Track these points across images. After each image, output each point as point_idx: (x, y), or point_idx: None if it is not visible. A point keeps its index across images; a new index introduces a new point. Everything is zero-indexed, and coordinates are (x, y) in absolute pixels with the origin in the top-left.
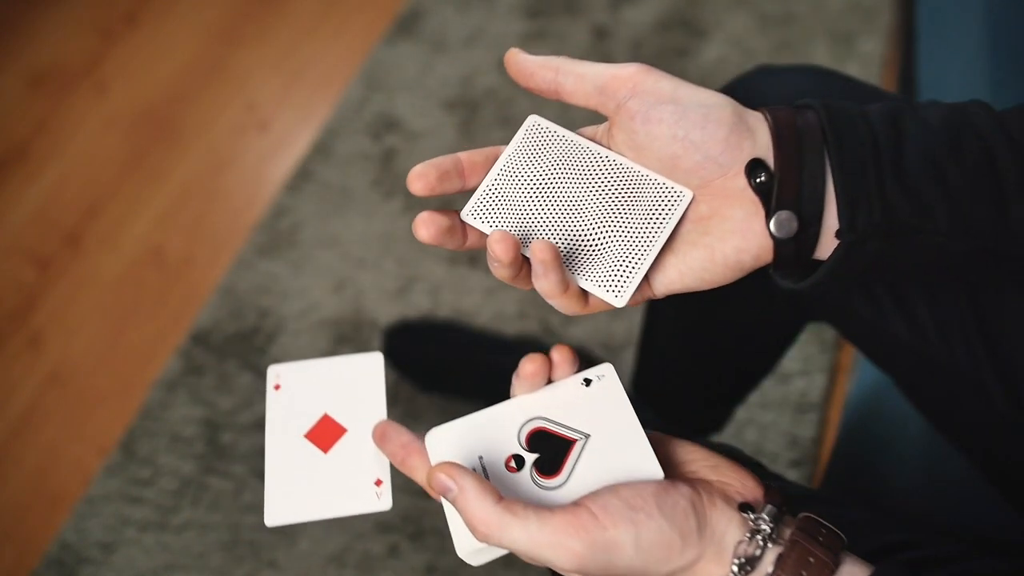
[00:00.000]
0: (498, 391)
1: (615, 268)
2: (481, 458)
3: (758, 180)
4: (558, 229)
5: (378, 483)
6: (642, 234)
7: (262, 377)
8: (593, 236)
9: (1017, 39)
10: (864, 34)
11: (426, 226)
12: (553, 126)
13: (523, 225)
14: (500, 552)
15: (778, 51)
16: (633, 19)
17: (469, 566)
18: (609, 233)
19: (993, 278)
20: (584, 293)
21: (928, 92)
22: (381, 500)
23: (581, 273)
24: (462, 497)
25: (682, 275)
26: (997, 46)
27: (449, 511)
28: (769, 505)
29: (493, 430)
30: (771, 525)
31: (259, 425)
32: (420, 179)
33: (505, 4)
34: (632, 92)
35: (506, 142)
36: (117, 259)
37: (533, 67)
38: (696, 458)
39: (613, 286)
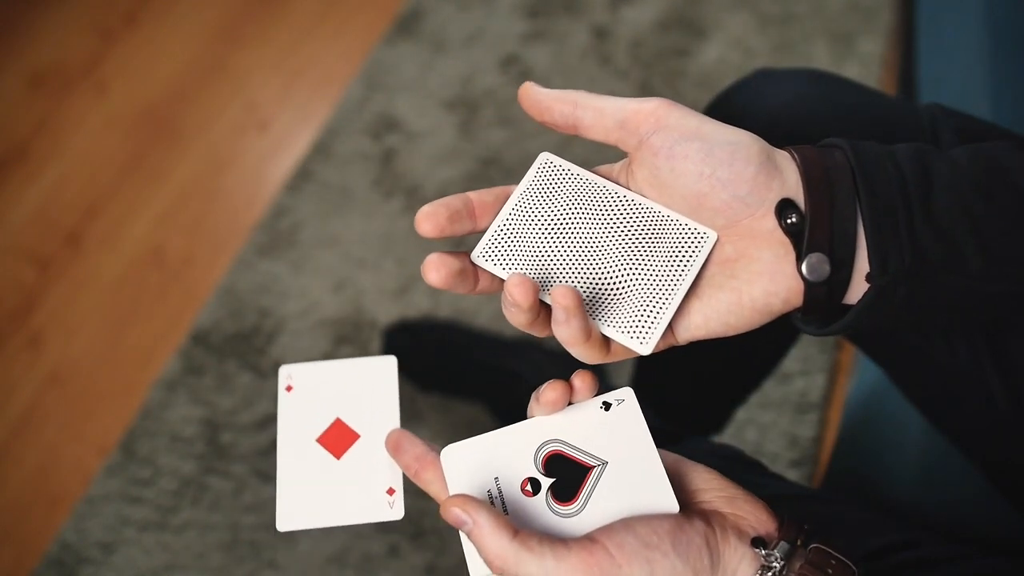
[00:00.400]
0: (498, 391)
1: (639, 314)
2: (497, 479)
3: (789, 221)
4: (576, 272)
5: (390, 492)
6: (666, 277)
7: (262, 377)
8: (614, 280)
9: (1017, 39)
10: (864, 34)
11: (436, 269)
12: (566, 164)
13: (538, 268)
14: None
15: (778, 51)
16: (633, 19)
17: (468, 568)
18: (631, 277)
19: None
20: (606, 340)
21: (928, 92)
22: (394, 509)
23: (603, 319)
24: (477, 531)
25: (707, 320)
26: (997, 46)
27: (464, 537)
28: (783, 542)
29: (510, 450)
30: (781, 562)
31: (259, 425)
32: (429, 219)
33: (505, 4)
34: (656, 127)
35: (506, 142)
36: (117, 259)
37: (549, 100)
38: (712, 487)
39: (638, 333)
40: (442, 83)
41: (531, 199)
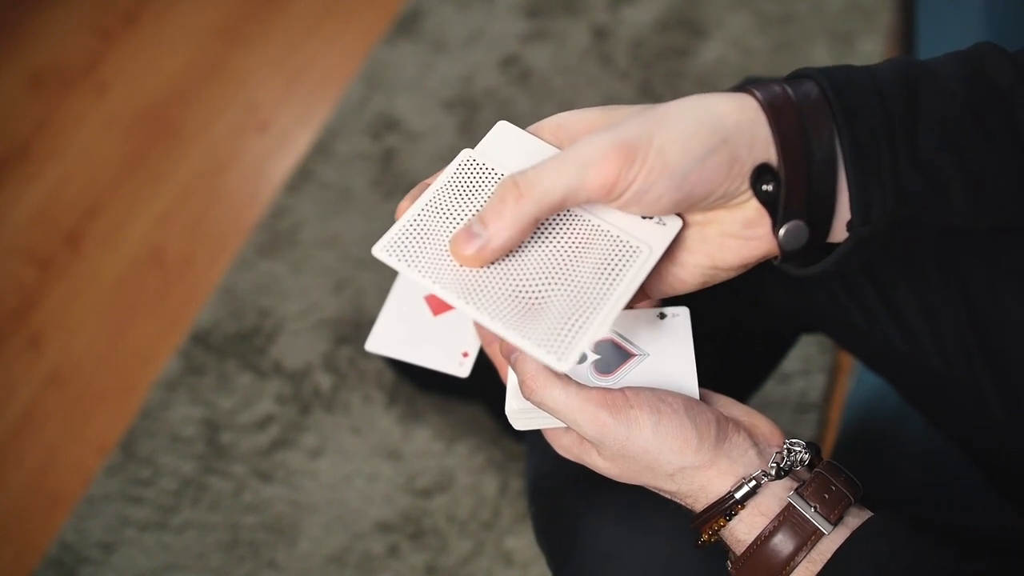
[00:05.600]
0: (498, 391)
1: (558, 327)
2: None
3: (765, 189)
4: (490, 277)
5: (464, 355)
6: (591, 293)
7: (262, 377)
8: (534, 288)
9: (1017, 39)
10: (864, 34)
11: None
12: (491, 163)
13: (450, 270)
14: (539, 422)
15: (778, 51)
16: (633, 19)
17: (469, 565)
18: (553, 286)
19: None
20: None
21: None
22: (462, 368)
23: (519, 331)
24: (522, 357)
25: (682, 283)
26: None
27: (510, 376)
28: (796, 448)
29: None
30: (787, 467)
31: (259, 425)
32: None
33: (505, 4)
34: (623, 189)
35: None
36: (117, 259)
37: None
38: (735, 410)
39: (555, 347)
40: (442, 83)
41: (448, 195)
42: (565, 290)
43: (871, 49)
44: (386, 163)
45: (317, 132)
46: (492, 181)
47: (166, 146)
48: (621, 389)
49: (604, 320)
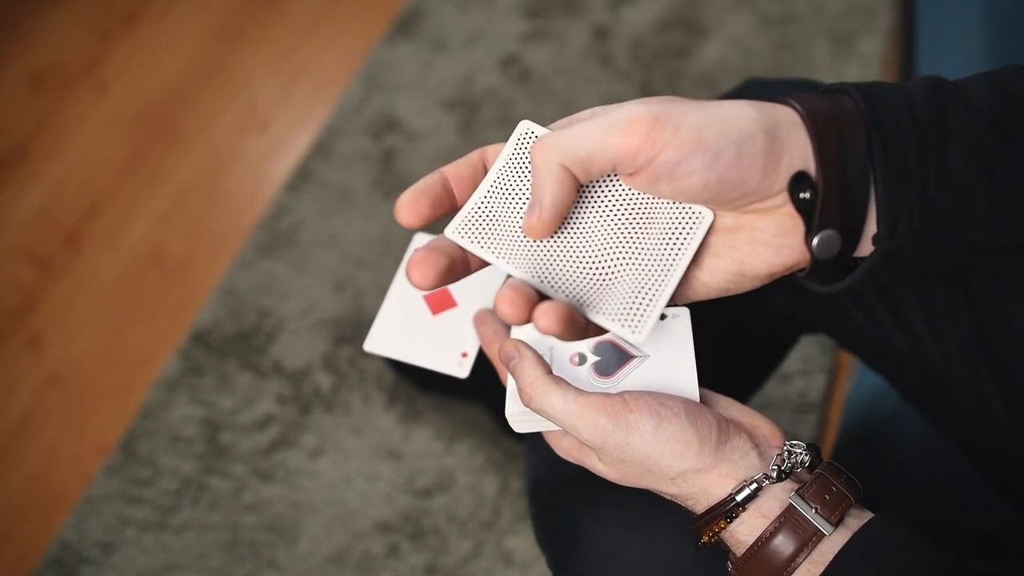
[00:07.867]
0: (498, 390)
1: (632, 301)
2: (552, 348)
3: (802, 196)
4: (561, 256)
5: (464, 355)
6: (659, 263)
7: (262, 377)
8: (603, 265)
9: (1017, 39)
10: (864, 34)
11: (421, 269)
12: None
13: (519, 250)
14: (539, 425)
15: (778, 51)
16: (633, 19)
17: (469, 565)
18: (621, 261)
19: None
20: (588, 323)
21: None
22: (461, 368)
23: (592, 306)
24: (520, 364)
25: (707, 288)
26: (997, 46)
27: (509, 379)
28: (796, 449)
29: None
30: (788, 468)
31: (259, 425)
32: (412, 209)
33: (505, 4)
34: (652, 154)
35: (506, 142)
36: (117, 259)
37: (543, 183)
38: (735, 411)
39: (630, 321)
40: (442, 83)
41: (512, 172)
42: (634, 262)
43: (871, 49)
44: (386, 163)
45: (317, 132)
46: None
47: (166, 146)
48: (620, 394)
49: (672, 288)
